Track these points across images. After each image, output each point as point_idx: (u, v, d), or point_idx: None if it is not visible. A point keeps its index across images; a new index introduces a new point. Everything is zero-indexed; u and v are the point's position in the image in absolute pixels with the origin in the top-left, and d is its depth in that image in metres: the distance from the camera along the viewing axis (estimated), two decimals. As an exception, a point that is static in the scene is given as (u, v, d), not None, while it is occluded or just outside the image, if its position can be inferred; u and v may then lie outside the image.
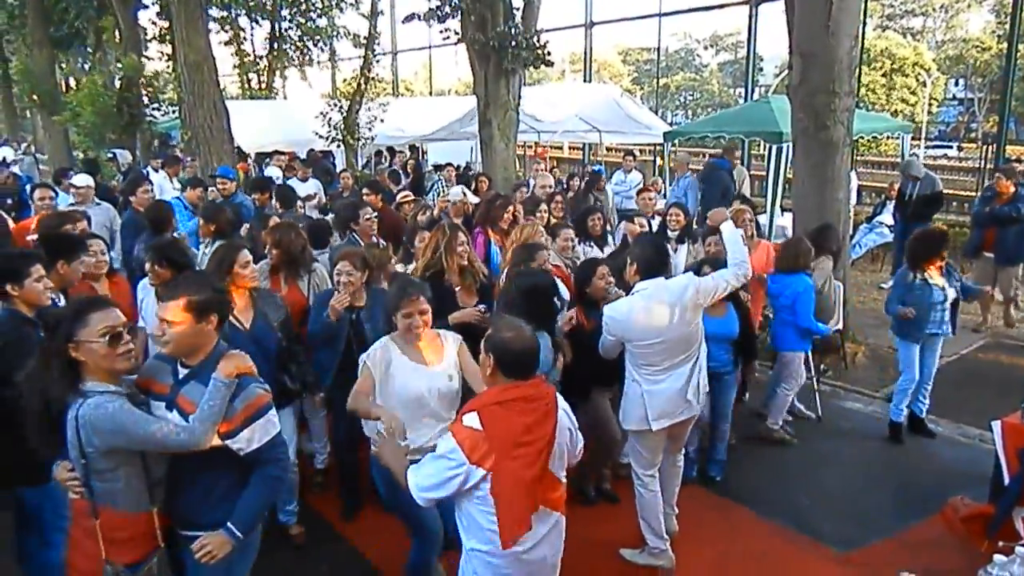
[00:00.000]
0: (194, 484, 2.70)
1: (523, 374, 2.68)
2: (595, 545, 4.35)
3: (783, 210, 10.37)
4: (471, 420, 2.57)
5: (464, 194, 7.59)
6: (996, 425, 4.37)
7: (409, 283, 3.59)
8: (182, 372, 2.73)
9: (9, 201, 8.08)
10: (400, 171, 12.27)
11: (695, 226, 7.20)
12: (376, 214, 6.31)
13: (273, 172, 11.16)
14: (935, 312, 5.60)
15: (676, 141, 12.56)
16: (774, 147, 10.15)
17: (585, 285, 4.51)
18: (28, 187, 8.58)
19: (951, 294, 5.59)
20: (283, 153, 12.01)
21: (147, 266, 4.35)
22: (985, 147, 14.39)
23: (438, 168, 12.58)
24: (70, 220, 5.33)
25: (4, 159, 14.73)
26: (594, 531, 4.48)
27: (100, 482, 2.56)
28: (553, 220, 6.79)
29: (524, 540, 2.61)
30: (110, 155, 13.21)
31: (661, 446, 4.15)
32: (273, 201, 7.66)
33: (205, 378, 2.62)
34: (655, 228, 6.95)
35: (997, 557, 2.65)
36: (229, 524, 2.64)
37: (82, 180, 7.46)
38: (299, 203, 8.10)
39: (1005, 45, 13.84)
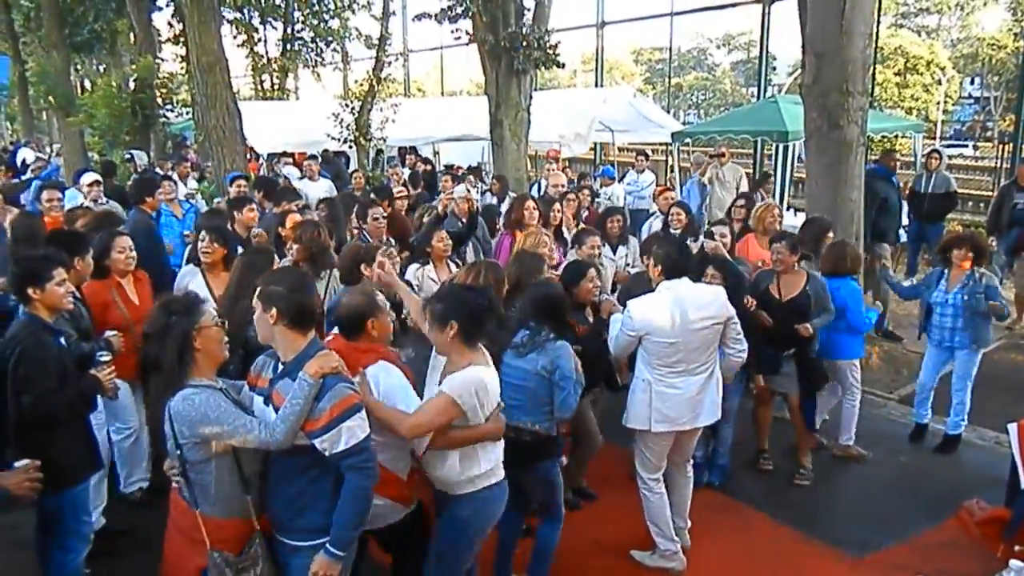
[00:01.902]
0: (284, 487, 2.71)
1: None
2: (605, 547, 4.34)
3: (795, 211, 10.31)
4: None
5: (467, 191, 7.59)
6: (1013, 427, 4.33)
7: None
8: (280, 368, 2.78)
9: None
10: (417, 173, 12.27)
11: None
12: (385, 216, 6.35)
13: (290, 172, 11.25)
14: (936, 314, 5.52)
15: (687, 141, 12.53)
16: (781, 146, 10.11)
17: (572, 288, 4.35)
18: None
19: (951, 299, 5.42)
20: (289, 154, 12.06)
21: (202, 244, 4.70)
22: (1001, 146, 14.22)
23: (449, 169, 12.59)
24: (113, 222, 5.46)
25: (24, 161, 14.88)
26: (603, 532, 4.48)
27: (195, 474, 2.63)
28: (566, 219, 6.80)
29: None
30: (127, 156, 13.28)
31: (666, 451, 4.13)
32: (258, 194, 7.70)
33: (295, 375, 2.64)
34: (660, 227, 7.00)
35: (1013, 562, 2.62)
36: (328, 546, 2.62)
37: (88, 178, 7.57)
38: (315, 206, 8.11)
39: (1021, 43, 13.69)
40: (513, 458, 3.26)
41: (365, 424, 2.64)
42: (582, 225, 6.99)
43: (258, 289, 2.75)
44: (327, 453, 2.58)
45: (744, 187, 10.64)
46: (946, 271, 5.54)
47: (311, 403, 2.57)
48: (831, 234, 5.95)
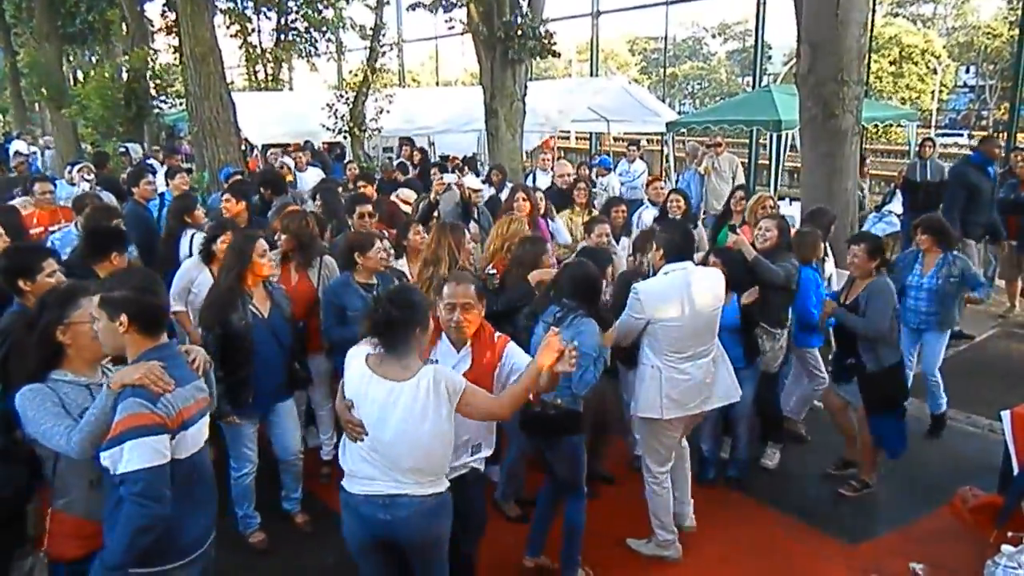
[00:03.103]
0: (107, 501, 2.50)
1: None
2: (599, 535, 4.35)
3: (789, 200, 10.33)
4: None
5: (459, 179, 7.61)
6: (1006, 415, 4.35)
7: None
8: None
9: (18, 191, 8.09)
10: (407, 162, 12.26)
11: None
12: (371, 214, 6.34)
13: (289, 162, 11.25)
14: (907, 296, 5.50)
15: (683, 131, 12.53)
16: (774, 135, 10.12)
17: (604, 271, 4.32)
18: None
19: (926, 283, 5.43)
20: (280, 145, 12.05)
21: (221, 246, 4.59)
22: (996, 135, 14.26)
23: (444, 159, 12.56)
24: (114, 215, 5.45)
25: (18, 152, 14.82)
26: (596, 522, 4.49)
27: (45, 470, 2.60)
28: (577, 207, 6.84)
29: None
30: (122, 150, 13.22)
31: (676, 440, 4.10)
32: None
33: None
34: (657, 215, 7.00)
35: (1006, 547, 2.65)
36: (100, 558, 2.44)
37: (76, 167, 7.58)
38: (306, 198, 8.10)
39: (1017, 32, 13.71)
40: (538, 431, 3.46)
41: (153, 451, 2.33)
42: (594, 213, 7.00)
43: (98, 297, 2.52)
44: (110, 471, 2.35)
45: (740, 177, 10.64)
46: (921, 254, 5.55)
47: (108, 414, 2.39)
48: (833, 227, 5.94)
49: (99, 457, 2.37)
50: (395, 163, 11.76)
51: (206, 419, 2.68)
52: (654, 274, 4.19)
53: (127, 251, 4.47)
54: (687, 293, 3.88)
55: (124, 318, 2.46)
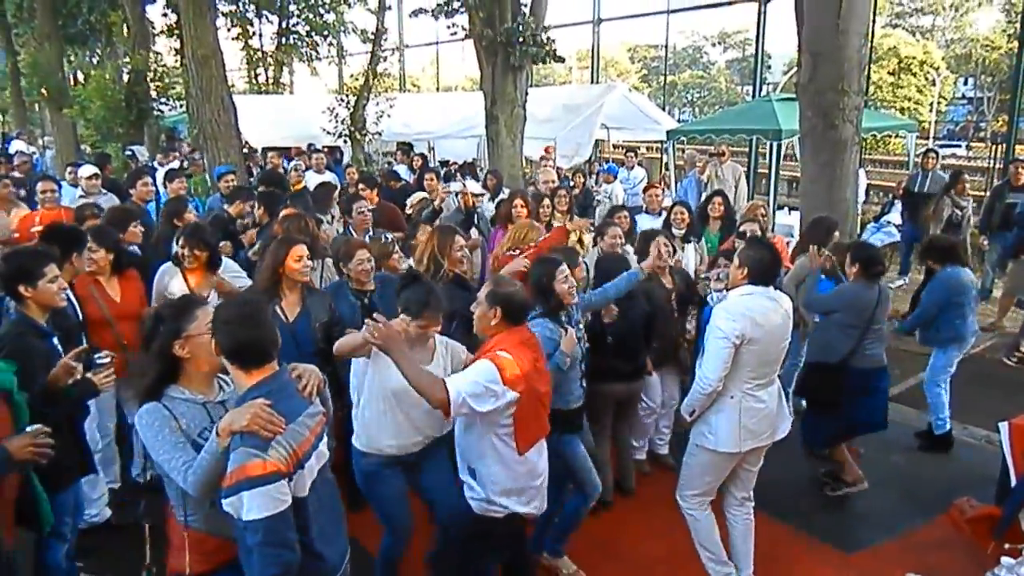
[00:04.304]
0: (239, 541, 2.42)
1: (522, 320, 3.28)
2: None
3: (788, 209, 10.36)
4: (504, 354, 3.04)
5: (464, 186, 7.61)
6: (1003, 426, 4.35)
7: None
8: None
9: (23, 192, 8.06)
10: (398, 169, 12.23)
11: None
12: (371, 208, 6.38)
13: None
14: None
15: (682, 139, 12.56)
16: (774, 144, 10.15)
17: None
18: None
19: None
20: (279, 149, 12.08)
21: (183, 251, 4.57)
22: (994, 146, 14.28)
23: (444, 164, 12.58)
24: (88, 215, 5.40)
25: (20, 152, 14.80)
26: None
27: (165, 481, 2.52)
28: (558, 215, 6.79)
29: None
30: (128, 153, 13.18)
31: (729, 470, 3.82)
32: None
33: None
34: (660, 224, 6.96)
35: (1004, 559, 2.64)
36: None
37: (87, 171, 7.52)
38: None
39: (1015, 44, 13.77)
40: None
41: (271, 500, 2.22)
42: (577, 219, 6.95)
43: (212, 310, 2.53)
44: (235, 516, 2.26)
45: (743, 186, 10.66)
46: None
47: (220, 460, 2.30)
48: (837, 233, 5.92)
49: (221, 504, 2.28)
50: (389, 169, 11.74)
51: (324, 442, 2.53)
52: (725, 291, 4.02)
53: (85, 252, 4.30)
54: (770, 314, 3.61)
55: (214, 342, 2.40)
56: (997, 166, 13.18)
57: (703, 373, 3.57)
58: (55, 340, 3.42)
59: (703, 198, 10.20)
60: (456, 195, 7.19)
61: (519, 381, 3.04)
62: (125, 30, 16.67)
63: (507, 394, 3.01)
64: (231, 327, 2.35)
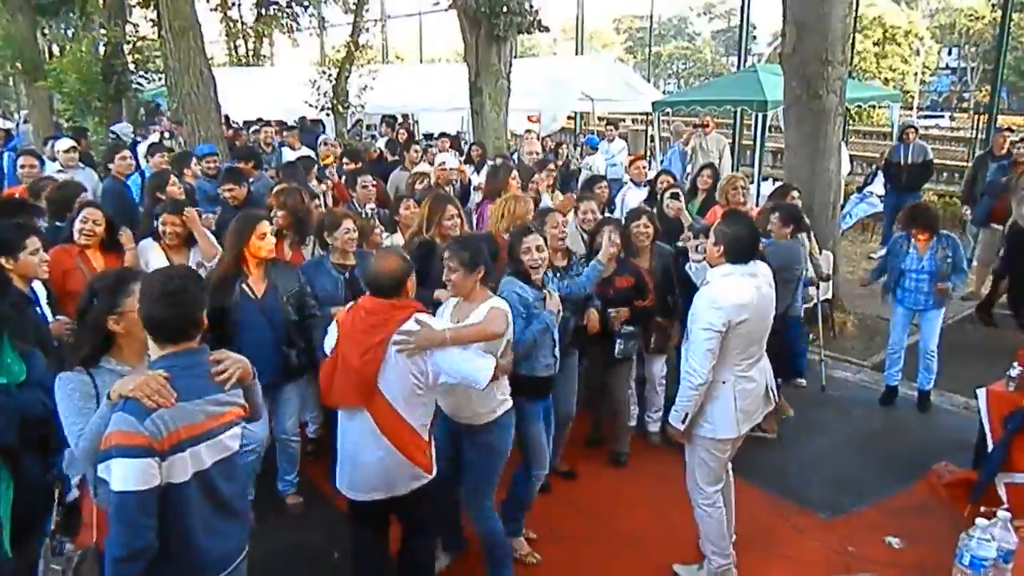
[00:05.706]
0: None
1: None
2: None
3: (772, 180, 10.38)
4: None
5: (458, 161, 7.58)
6: (981, 393, 4.44)
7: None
8: None
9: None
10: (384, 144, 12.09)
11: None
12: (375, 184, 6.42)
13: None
14: (911, 279, 5.64)
15: (668, 111, 12.52)
16: (760, 116, 10.14)
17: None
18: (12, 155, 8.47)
19: (926, 265, 5.57)
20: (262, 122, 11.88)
21: (163, 227, 4.57)
22: (977, 117, 14.36)
23: (429, 137, 12.45)
24: (77, 190, 5.26)
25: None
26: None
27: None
28: (545, 188, 6.77)
29: None
30: (112, 135, 12.87)
31: (733, 452, 3.73)
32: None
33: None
34: (646, 195, 6.99)
35: (979, 521, 2.70)
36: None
37: (64, 144, 7.40)
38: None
39: (999, 14, 13.78)
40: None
41: (140, 473, 2.13)
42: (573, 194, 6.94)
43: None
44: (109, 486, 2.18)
45: (727, 157, 10.65)
46: (911, 238, 5.66)
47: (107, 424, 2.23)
48: (795, 194, 6.04)
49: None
50: (377, 144, 11.57)
51: (228, 435, 2.41)
52: (702, 270, 4.02)
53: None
54: (756, 292, 3.46)
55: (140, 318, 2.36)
56: (980, 136, 13.26)
57: (691, 366, 3.42)
58: (39, 309, 3.47)
59: (695, 170, 10.24)
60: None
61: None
62: (100, 1, 16.31)
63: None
64: (151, 301, 2.30)
